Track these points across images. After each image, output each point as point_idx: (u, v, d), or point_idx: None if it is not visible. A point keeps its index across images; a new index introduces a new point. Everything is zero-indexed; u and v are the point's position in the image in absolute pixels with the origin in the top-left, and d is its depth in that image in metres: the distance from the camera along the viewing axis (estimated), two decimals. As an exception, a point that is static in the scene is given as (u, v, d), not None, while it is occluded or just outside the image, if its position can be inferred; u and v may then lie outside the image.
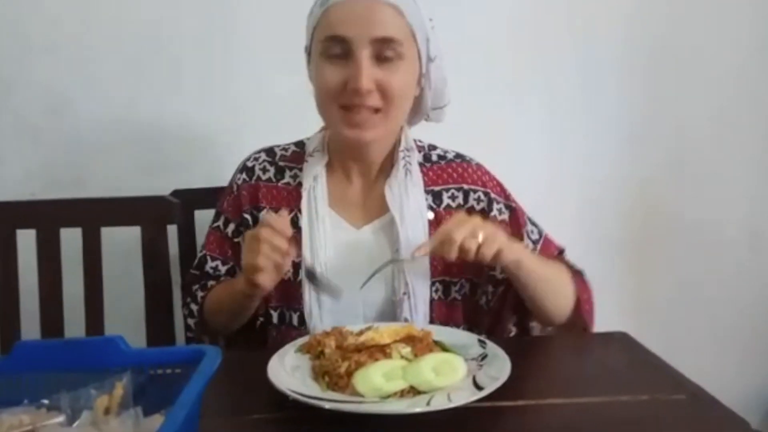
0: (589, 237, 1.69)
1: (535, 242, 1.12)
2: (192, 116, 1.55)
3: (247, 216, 1.10)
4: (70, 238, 1.24)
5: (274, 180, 1.11)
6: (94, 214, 1.25)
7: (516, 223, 1.11)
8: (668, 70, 1.65)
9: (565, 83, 1.63)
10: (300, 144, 1.15)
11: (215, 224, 1.15)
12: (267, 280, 0.92)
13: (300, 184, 1.09)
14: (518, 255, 0.97)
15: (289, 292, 1.05)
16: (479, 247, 0.92)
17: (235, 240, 1.11)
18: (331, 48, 0.97)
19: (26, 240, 1.23)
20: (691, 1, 1.62)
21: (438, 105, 1.09)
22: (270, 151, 1.15)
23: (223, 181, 1.37)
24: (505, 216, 1.11)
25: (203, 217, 1.37)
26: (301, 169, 1.10)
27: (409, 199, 1.06)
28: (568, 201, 1.67)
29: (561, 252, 1.16)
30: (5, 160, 1.51)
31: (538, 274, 1.00)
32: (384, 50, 0.96)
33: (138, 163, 1.54)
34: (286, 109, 1.51)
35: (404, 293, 1.03)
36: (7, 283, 1.23)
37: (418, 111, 1.09)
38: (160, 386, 0.70)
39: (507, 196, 1.13)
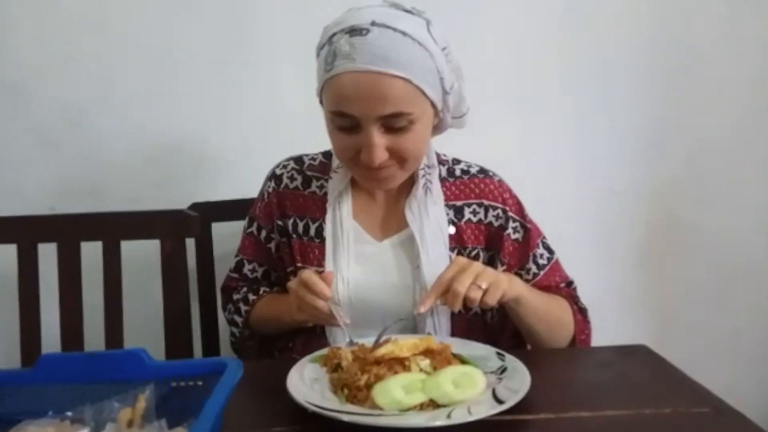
0: (608, 247, 1.68)
1: (540, 267, 1.11)
2: (209, 130, 1.57)
3: (279, 222, 1.13)
4: (91, 252, 1.26)
5: (300, 188, 1.13)
6: (114, 227, 1.26)
7: (527, 245, 1.11)
8: (687, 76, 1.64)
9: (584, 91, 1.62)
10: (327, 155, 1.15)
11: (249, 229, 1.18)
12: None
13: (326, 195, 1.11)
14: (518, 291, 0.98)
15: None
16: (483, 294, 0.92)
17: (268, 246, 1.16)
18: (339, 120, 0.96)
19: (47, 253, 1.25)
20: (714, 7, 1.61)
21: (456, 116, 1.09)
22: (299, 160, 1.17)
23: (239, 193, 1.39)
24: (519, 235, 1.11)
25: (221, 230, 1.39)
26: (327, 180, 1.12)
27: (429, 217, 1.06)
28: (587, 209, 1.66)
29: (569, 284, 1.15)
30: (24, 172, 1.54)
31: (537, 310, 1.01)
32: (393, 123, 0.93)
33: (154, 176, 1.56)
34: (302, 123, 1.51)
35: None
36: (29, 295, 1.24)
37: (439, 128, 1.08)
38: (182, 398, 0.71)
39: (524, 216, 1.13)
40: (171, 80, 1.53)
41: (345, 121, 0.95)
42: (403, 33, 0.91)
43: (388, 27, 0.91)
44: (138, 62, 1.52)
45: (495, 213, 1.11)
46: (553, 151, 1.63)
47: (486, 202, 1.11)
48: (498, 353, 0.91)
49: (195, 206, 1.33)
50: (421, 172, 1.08)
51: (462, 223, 1.10)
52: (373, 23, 0.91)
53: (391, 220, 1.10)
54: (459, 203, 1.11)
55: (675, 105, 1.65)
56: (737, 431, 0.75)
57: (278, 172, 1.16)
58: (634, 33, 1.61)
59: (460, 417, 0.73)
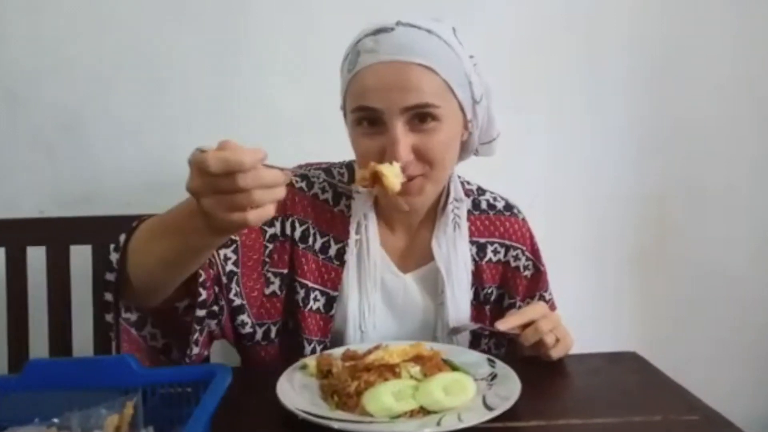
0: (600, 251, 1.68)
1: (547, 303, 1.12)
2: (202, 135, 1.55)
3: (285, 221, 1.01)
4: (80, 256, 1.25)
5: (330, 203, 1.05)
6: (105, 231, 1.25)
7: (535, 286, 1.12)
8: (684, 79, 1.64)
9: (578, 92, 1.61)
10: (351, 169, 1.09)
11: None
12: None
13: (351, 216, 1.04)
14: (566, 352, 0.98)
15: (326, 327, 1.03)
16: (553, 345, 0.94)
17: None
18: (363, 118, 0.91)
19: (36, 257, 1.24)
20: (701, 7, 1.62)
21: (485, 141, 1.05)
22: (329, 172, 1.08)
23: (232, 198, 1.38)
24: (529, 273, 1.11)
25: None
26: (354, 199, 1.05)
27: (457, 254, 1.04)
28: (581, 212, 1.66)
29: None
30: (16, 176, 1.52)
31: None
32: (419, 116, 0.90)
33: (147, 181, 1.55)
34: (297, 129, 1.52)
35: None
36: (17, 300, 1.23)
37: (466, 150, 1.04)
38: (170, 405, 0.70)
39: (538, 258, 1.13)
40: (165, 85, 1.52)
41: (369, 118, 0.90)
42: (429, 30, 0.91)
43: (413, 26, 0.90)
44: (132, 67, 1.51)
45: (515, 254, 1.10)
46: (548, 153, 1.63)
47: (508, 243, 1.10)
48: (489, 360, 0.92)
49: (186, 210, 1.32)
50: (450, 206, 1.05)
51: (483, 262, 1.08)
52: (398, 23, 0.91)
53: (412, 254, 1.07)
54: (482, 240, 1.08)
55: (671, 108, 1.65)
56: (726, 439, 0.75)
57: (311, 177, 1.06)
58: (630, 34, 1.61)
59: (450, 424, 0.73)
